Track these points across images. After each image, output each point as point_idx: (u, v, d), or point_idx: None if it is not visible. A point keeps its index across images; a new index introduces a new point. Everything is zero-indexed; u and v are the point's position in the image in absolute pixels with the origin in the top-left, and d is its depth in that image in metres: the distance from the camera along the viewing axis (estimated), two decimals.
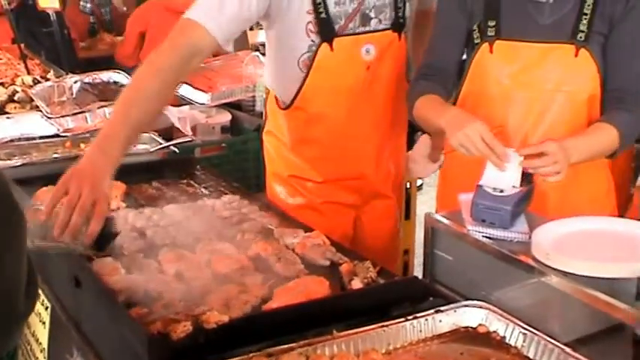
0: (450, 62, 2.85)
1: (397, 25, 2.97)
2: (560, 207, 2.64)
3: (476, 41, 2.73)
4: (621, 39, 2.63)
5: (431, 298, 2.09)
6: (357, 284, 2.20)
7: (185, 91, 4.44)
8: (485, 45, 2.70)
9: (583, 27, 2.60)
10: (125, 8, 7.68)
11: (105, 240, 2.34)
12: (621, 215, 2.93)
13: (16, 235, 1.52)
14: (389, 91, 3.02)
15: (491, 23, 2.69)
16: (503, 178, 2.45)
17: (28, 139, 3.82)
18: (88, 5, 7.51)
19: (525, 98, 2.66)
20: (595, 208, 2.64)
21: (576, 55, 2.61)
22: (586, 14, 2.60)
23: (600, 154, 2.64)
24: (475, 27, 2.73)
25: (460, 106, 2.78)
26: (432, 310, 1.99)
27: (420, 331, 1.95)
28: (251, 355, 1.78)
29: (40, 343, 2.54)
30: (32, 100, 4.49)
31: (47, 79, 5.03)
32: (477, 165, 2.60)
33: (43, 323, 2.51)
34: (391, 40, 2.97)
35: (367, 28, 2.93)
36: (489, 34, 2.69)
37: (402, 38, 2.99)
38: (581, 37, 2.60)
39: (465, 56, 2.83)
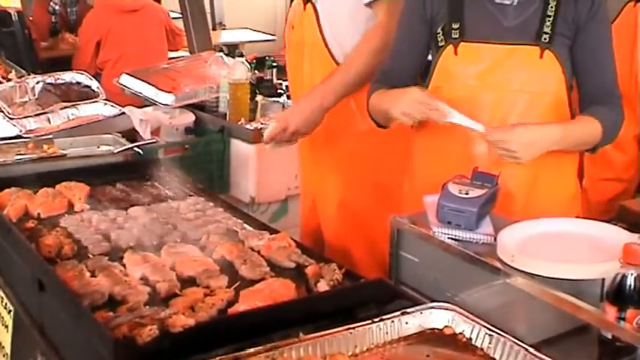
0: (406, 68, 2.88)
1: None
2: (526, 209, 2.65)
3: (440, 44, 2.73)
4: (588, 42, 2.65)
5: (397, 300, 2.09)
6: (323, 286, 2.20)
7: (149, 92, 4.41)
8: (450, 47, 2.70)
9: (547, 29, 2.62)
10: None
11: None
12: None
13: None
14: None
15: (455, 25, 2.69)
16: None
17: None
18: (57, 7, 7.43)
19: (491, 99, 2.67)
20: (561, 210, 2.64)
21: (541, 57, 2.62)
22: (549, 16, 2.62)
23: (582, 145, 2.69)
24: (439, 30, 2.73)
25: None
26: (398, 312, 1.99)
27: (387, 333, 1.95)
28: (217, 358, 1.77)
29: (3, 348, 2.51)
30: None
31: (9, 80, 4.98)
32: (442, 166, 2.62)
33: (6, 327, 2.48)
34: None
35: None
36: (454, 36, 2.69)
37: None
38: (545, 39, 2.62)
39: (430, 57, 2.85)
